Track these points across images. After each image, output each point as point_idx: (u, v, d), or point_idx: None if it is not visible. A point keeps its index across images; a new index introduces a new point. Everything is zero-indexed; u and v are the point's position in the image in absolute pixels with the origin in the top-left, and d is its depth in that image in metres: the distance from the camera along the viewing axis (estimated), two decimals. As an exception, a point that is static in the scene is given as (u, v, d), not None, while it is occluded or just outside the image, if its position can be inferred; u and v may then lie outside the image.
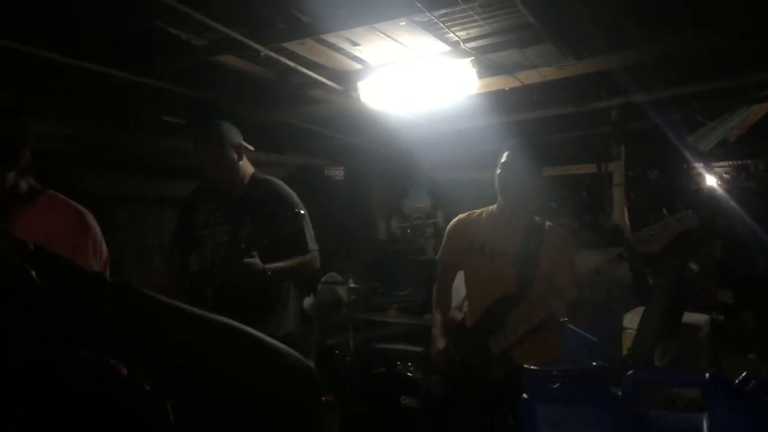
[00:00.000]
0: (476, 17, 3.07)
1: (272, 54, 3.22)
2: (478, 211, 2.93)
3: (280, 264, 2.89)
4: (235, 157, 3.05)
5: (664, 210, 4.96)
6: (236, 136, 3.08)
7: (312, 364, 0.71)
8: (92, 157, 3.81)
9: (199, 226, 3.09)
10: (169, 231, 3.36)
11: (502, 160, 2.77)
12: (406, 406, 3.94)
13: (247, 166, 3.13)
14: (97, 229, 2.08)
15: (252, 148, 3.15)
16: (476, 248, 2.82)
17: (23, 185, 2.06)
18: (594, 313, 3.02)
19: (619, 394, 1.31)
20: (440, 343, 2.85)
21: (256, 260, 2.77)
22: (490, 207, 2.92)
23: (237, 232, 2.98)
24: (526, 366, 1.44)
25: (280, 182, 3.17)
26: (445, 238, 3.01)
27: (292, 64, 3.41)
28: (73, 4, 2.58)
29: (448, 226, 3.02)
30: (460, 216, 2.98)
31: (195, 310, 0.74)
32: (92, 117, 3.72)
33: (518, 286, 2.70)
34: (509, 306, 2.69)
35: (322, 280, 4.99)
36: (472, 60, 3.52)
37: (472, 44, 3.43)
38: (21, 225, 2.02)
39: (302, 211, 2.99)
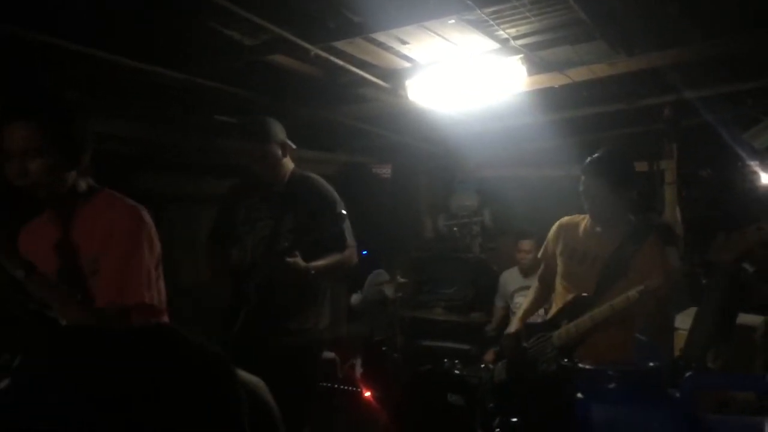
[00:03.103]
0: (527, 14, 3.04)
1: (322, 53, 3.24)
2: (582, 216, 2.98)
3: (321, 262, 2.96)
4: (280, 153, 3.08)
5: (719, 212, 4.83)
6: (281, 133, 3.11)
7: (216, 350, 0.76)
8: (148, 157, 3.90)
9: (239, 221, 3.14)
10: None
11: (581, 177, 2.81)
12: (453, 404, 3.94)
13: (288, 163, 3.16)
14: (152, 224, 2.15)
15: (294, 146, 3.19)
16: (567, 251, 2.91)
17: (82, 184, 2.13)
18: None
19: (677, 396, 1.30)
20: (513, 326, 3.03)
21: (299, 260, 2.84)
22: None
23: (278, 227, 3.02)
24: (581, 365, 1.44)
25: (321, 179, 3.20)
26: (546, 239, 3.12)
27: (341, 62, 3.43)
28: (132, 7, 2.65)
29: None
30: (562, 219, 3.07)
31: None
32: (148, 117, 3.81)
33: (596, 289, 2.74)
34: (583, 306, 2.73)
35: (369, 276, 5.02)
36: (521, 57, 3.50)
37: (522, 41, 3.40)
38: (80, 222, 2.09)
39: (343, 212, 3.02)
